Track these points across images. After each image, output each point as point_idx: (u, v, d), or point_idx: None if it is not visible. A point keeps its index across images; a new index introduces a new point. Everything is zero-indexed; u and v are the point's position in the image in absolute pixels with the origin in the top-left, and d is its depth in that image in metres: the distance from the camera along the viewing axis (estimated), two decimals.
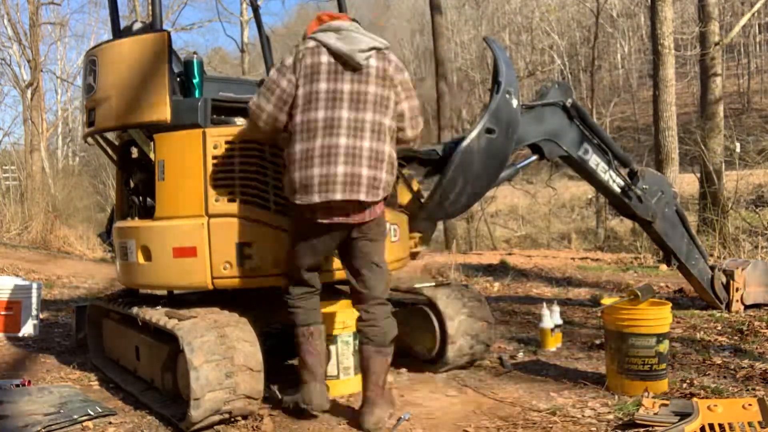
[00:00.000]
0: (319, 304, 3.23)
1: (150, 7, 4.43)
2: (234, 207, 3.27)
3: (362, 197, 2.84)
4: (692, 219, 9.97)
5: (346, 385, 3.51)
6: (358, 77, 2.88)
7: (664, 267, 8.04)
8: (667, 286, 6.79)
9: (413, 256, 4.24)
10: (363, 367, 3.05)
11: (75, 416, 3.16)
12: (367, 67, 2.88)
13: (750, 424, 2.60)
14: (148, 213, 3.66)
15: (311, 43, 2.92)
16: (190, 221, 3.30)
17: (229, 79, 4.41)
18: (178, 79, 3.58)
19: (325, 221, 2.90)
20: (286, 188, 2.97)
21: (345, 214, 2.89)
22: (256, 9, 5.27)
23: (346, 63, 2.87)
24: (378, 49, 2.92)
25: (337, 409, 3.27)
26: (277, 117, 2.94)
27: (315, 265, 3.13)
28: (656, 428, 2.71)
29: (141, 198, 3.83)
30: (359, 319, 3.09)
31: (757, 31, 37.44)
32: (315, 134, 2.85)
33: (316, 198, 2.83)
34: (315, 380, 3.09)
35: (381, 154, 2.89)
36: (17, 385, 3.75)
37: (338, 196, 2.82)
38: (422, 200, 4.10)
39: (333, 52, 2.87)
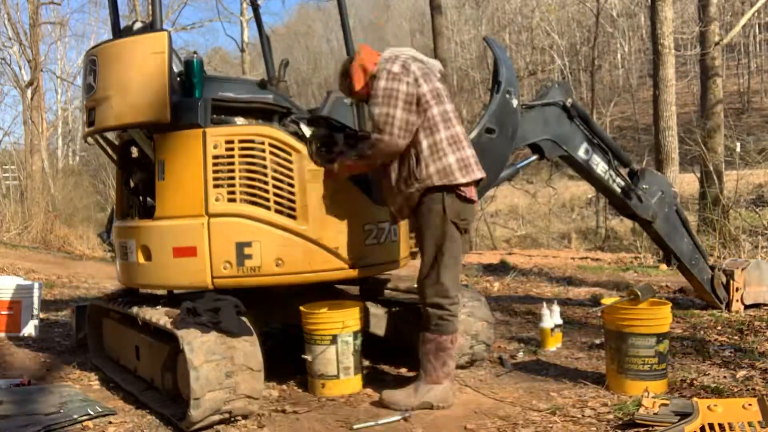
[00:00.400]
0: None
1: (150, 7, 4.43)
2: (234, 207, 3.27)
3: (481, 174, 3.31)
4: (692, 219, 9.97)
5: (346, 385, 3.51)
6: (434, 76, 3.26)
7: (664, 267, 8.05)
8: (667, 286, 6.79)
9: (413, 255, 4.23)
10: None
11: (75, 416, 3.16)
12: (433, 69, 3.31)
13: (750, 424, 2.60)
14: (148, 213, 3.66)
15: (403, 56, 3.23)
16: (190, 221, 3.30)
17: (229, 78, 4.40)
18: (178, 78, 3.58)
19: (475, 199, 3.27)
20: (438, 175, 3.11)
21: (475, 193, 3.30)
22: (256, 8, 5.27)
23: (431, 69, 3.26)
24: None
25: (336, 409, 3.27)
26: (408, 119, 3.11)
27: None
28: (656, 428, 2.71)
29: (141, 198, 3.83)
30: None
31: (757, 31, 37.44)
32: (453, 123, 3.21)
33: (478, 174, 3.24)
34: (450, 381, 3.26)
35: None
36: (17, 385, 3.75)
37: (480, 174, 3.28)
38: None
39: (418, 59, 3.25)
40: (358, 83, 3.28)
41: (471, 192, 3.23)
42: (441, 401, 3.19)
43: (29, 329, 5.26)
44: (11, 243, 12.98)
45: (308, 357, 3.50)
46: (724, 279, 5.21)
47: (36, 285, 5.42)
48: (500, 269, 8.94)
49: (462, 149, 3.19)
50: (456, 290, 3.24)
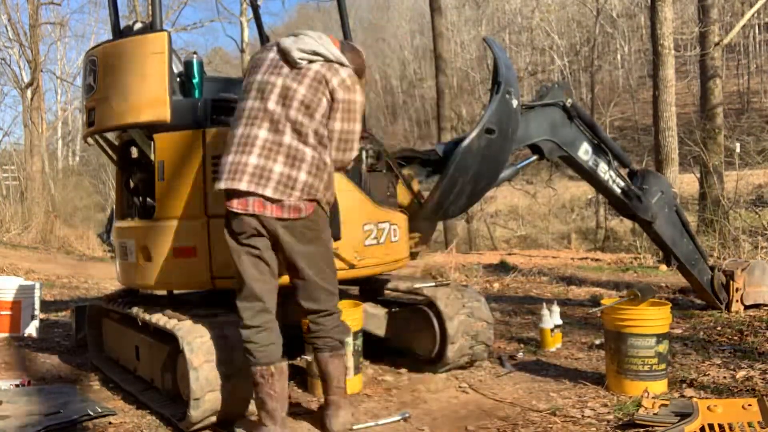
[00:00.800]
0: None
1: (150, 7, 4.43)
2: None
3: (268, 193, 2.71)
4: (692, 219, 9.98)
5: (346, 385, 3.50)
6: (293, 74, 2.80)
7: (663, 267, 8.05)
8: (667, 287, 6.79)
9: (413, 256, 4.24)
10: (321, 372, 2.99)
11: (75, 416, 3.15)
12: (305, 68, 2.80)
13: (750, 425, 2.60)
14: (147, 213, 3.66)
15: (270, 43, 2.98)
16: (190, 221, 3.30)
17: (229, 79, 4.40)
18: (178, 79, 3.58)
19: (234, 209, 2.75)
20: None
21: (252, 205, 2.73)
22: (256, 9, 5.27)
23: (286, 59, 2.83)
24: (328, 60, 2.83)
25: None
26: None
27: (259, 277, 2.82)
28: (656, 428, 2.71)
29: (141, 198, 3.83)
30: (307, 331, 3.02)
31: (756, 32, 37.44)
32: (240, 122, 2.83)
33: (222, 185, 2.76)
34: (276, 425, 2.84)
35: (302, 154, 2.75)
36: (17, 385, 3.75)
37: (243, 186, 2.72)
38: (422, 200, 4.11)
39: (280, 49, 2.86)
40: None
41: (232, 202, 2.78)
42: None
43: (29, 329, 5.27)
44: (11, 243, 12.98)
45: (308, 357, 3.49)
46: (724, 279, 5.21)
47: (36, 285, 5.42)
48: (500, 269, 8.94)
49: (242, 153, 2.77)
50: (248, 317, 2.84)
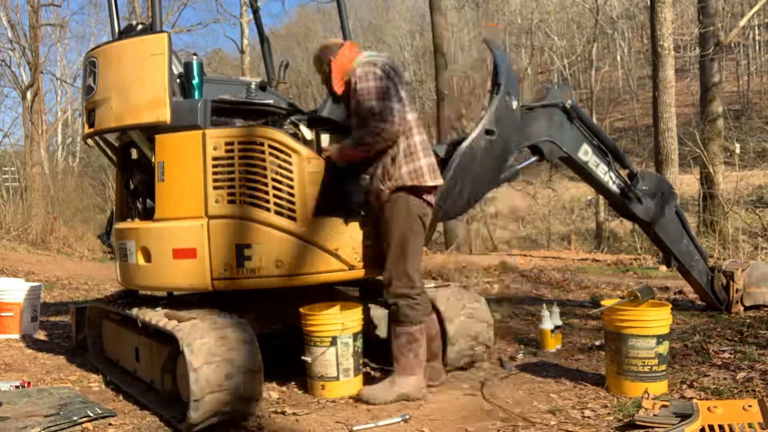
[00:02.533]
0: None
1: (150, 9, 4.43)
2: (234, 208, 3.27)
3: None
4: (692, 220, 9.97)
5: (346, 387, 3.50)
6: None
7: (663, 268, 8.05)
8: (666, 287, 6.79)
9: None
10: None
11: (75, 418, 3.15)
12: None
13: (750, 426, 2.60)
14: (147, 214, 3.66)
15: (380, 62, 3.40)
16: (189, 222, 3.30)
17: (229, 80, 4.41)
18: (178, 80, 3.58)
19: (429, 201, 3.44)
20: (408, 175, 3.32)
21: (434, 195, 3.50)
22: (255, 11, 5.28)
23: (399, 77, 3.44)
24: None
25: (336, 410, 3.27)
26: (402, 111, 3.31)
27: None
28: (656, 429, 2.70)
29: (141, 199, 3.83)
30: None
31: (756, 32, 37.45)
32: (415, 131, 3.40)
33: (440, 180, 3.47)
34: (422, 371, 3.40)
35: None
36: (17, 387, 3.74)
37: (440, 182, 3.50)
38: None
39: (393, 66, 3.44)
40: (338, 82, 3.46)
41: (432, 195, 3.48)
42: (416, 392, 3.35)
43: (29, 330, 5.27)
44: (11, 244, 12.98)
45: (308, 358, 3.50)
46: (724, 280, 5.20)
47: (36, 286, 5.42)
48: (500, 270, 8.94)
49: (430, 155, 3.45)
50: (420, 281, 3.42)
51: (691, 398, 3.14)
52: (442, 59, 14.55)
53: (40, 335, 5.32)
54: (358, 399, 3.38)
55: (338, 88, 3.47)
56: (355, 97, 3.30)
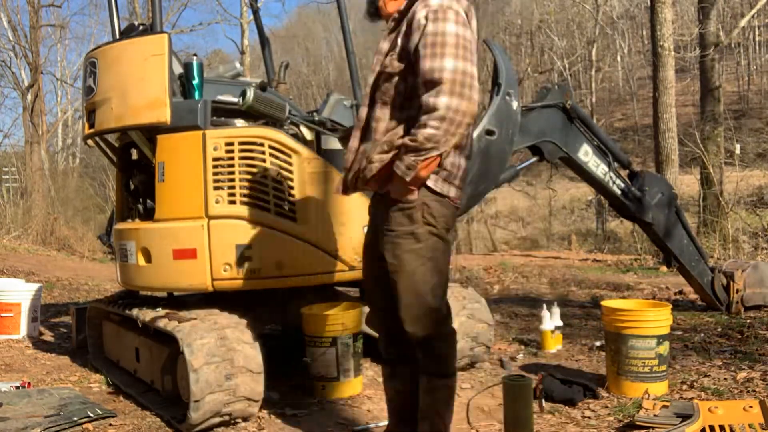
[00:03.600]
0: None
1: (150, 9, 4.43)
2: (234, 209, 3.27)
3: None
4: (692, 220, 9.97)
5: (346, 387, 3.50)
6: None
7: (664, 268, 8.05)
8: (667, 288, 6.79)
9: None
10: None
11: (75, 418, 3.15)
12: None
13: (751, 426, 2.60)
14: (148, 215, 3.66)
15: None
16: (190, 223, 3.29)
17: (229, 81, 4.40)
18: (178, 81, 3.58)
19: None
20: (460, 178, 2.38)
21: None
22: (255, 11, 5.28)
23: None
24: None
25: (336, 411, 3.27)
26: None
27: None
28: (657, 430, 2.70)
29: (141, 200, 3.83)
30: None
31: (756, 33, 37.44)
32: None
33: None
34: None
35: None
36: (17, 387, 3.74)
37: None
38: None
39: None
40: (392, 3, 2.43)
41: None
42: None
43: (29, 331, 5.26)
44: (11, 245, 12.97)
45: (308, 359, 3.50)
46: (724, 281, 5.20)
47: (36, 287, 5.42)
48: (500, 271, 8.93)
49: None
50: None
51: (692, 399, 3.14)
52: None
53: (41, 336, 5.32)
54: None
55: (390, 5, 2.43)
56: (426, 43, 2.16)
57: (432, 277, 2.30)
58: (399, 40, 2.28)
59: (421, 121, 2.13)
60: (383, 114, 2.31)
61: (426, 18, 2.18)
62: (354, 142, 2.40)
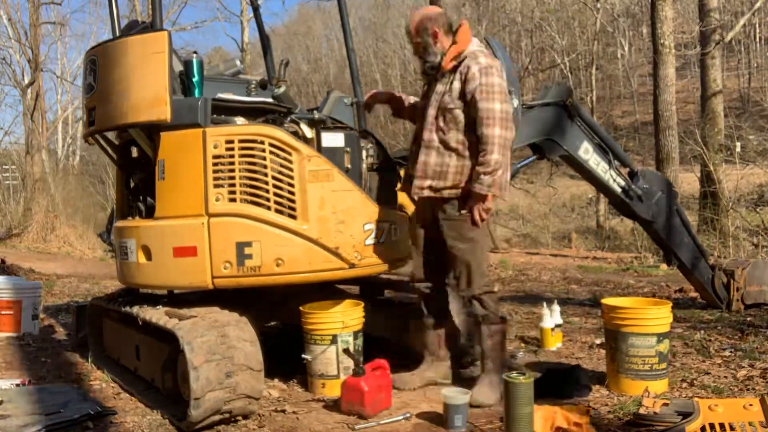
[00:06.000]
0: None
1: (150, 7, 4.43)
2: (234, 206, 3.27)
3: None
4: (692, 218, 9.97)
5: None
6: None
7: (664, 266, 8.04)
8: (667, 286, 6.79)
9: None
10: None
11: (75, 416, 3.15)
12: None
13: (751, 424, 2.60)
14: (148, 212, 3.66)
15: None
16: (190, 221, 3.30)
17: (229, 78, 4.40)
18: (179, 78, 3.58)
19: None
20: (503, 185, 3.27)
21: None
22: (256, 9, 5.27)
23: None
24: None
25: (337, 409, 3.27)
26: None
27: None
28: (657, 428, 2.70)
29: (141, 197, 3.83)
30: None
31: (757, 30, 37.40)
32: None
33: None
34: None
35: None
36: (18, 385, 3.75)
37: None
38: None
39: None
40: (450, 59, 3.27)
41: None
42: None
43: (29, 329, 5.27)
44: (11, 243, 12.98)
45: (308, 357, 3.50)
46: (724, 279, 5.20)
47: (36, 285, 5.43)
48: (500, 269, 8.94)
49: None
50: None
51: (692, 396, 3.14)
52: None
53: (41, 334, 5.32)
54: (471, 405, 3.07)
55: (448, 63, 3.28)
56: (481, 90, 3.17)
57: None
58: (455, 84, 3.25)
59: (486, 150, 3.17)
60: (452, 135, 3.29)
61: (480, 72, 3.19)
62: (423, 157, 3.34)
